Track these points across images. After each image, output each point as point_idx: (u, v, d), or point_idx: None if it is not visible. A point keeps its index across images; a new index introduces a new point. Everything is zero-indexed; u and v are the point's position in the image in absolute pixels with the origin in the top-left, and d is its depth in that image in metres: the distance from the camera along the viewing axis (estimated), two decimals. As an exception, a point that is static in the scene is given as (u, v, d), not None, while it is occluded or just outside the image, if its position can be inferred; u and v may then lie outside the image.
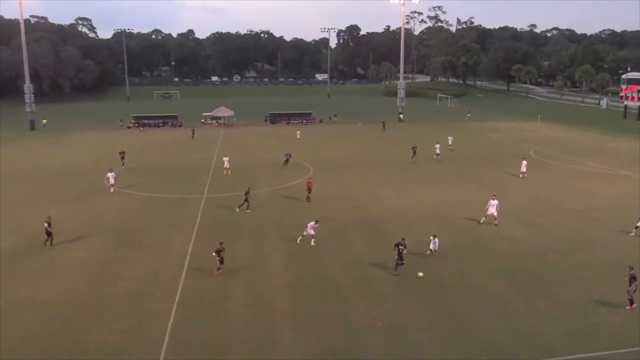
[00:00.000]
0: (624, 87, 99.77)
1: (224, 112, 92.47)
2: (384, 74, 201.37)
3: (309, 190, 39.36)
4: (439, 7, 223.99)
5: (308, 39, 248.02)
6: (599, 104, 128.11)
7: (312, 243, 30.07)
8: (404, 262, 25.96)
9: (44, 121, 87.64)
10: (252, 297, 23.60)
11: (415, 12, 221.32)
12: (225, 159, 49.57)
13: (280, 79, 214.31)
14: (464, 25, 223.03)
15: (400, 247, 26.10)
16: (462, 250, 29.39)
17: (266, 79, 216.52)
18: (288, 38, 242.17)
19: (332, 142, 70.11)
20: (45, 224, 29.68)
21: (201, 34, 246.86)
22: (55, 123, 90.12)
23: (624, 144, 68.07)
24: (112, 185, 42.46)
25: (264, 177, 47.80)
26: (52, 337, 20.32)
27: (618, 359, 18.92)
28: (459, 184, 45.22)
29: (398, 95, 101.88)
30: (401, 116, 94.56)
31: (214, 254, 25.68)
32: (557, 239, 31.33)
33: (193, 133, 74.28)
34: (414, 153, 55.58)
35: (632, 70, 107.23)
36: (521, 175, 47.36)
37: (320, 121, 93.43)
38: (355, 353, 19.39)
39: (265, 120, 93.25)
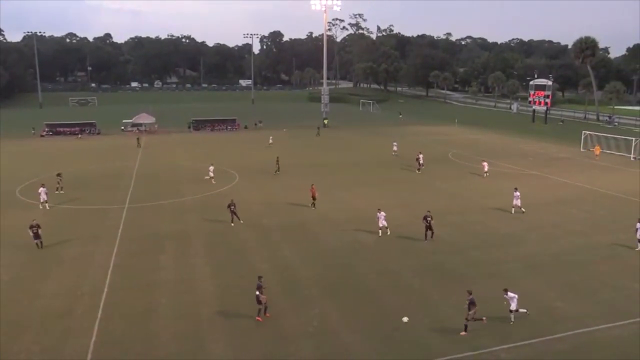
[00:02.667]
0: (532, 92, 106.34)
1: (145, 118, 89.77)
2: (308, 79, 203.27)
3: (313, 196, 39.10)
4: (359, 15, 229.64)
5: (231, 44, 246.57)
6: (510, 108, 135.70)
7: (388, 232, 32.60)
8: (433, 231, 31.40)
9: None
10: (179, 308, 23.06)
11: (337, 19, 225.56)
12: (211, 167, 48.00)
13: (203, 85, 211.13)
14: (384, 33, 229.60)
15: (428, 218, 31.28)
16: (388, 251, 30.18)
17: (188, 85, 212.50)
18: (210, 43, 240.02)
19: (257, 148, 69.81)
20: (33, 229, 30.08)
21: (119, 38, 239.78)
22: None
23: (533, 145, 72.58)
24: (44, 202, 38.64)
25: (189, 185, 46.79)
26: (-39, 362, 18.93)
27: (536, 348, 20.09)
28: (384, 187, 46.32)
29: (322, 101, 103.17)
30: (326, 121, 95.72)
31: (257, 293, 21.87)
32: (475, 236, 32.91)
33: (138, 141, 70.54)
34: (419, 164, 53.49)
35: (538, 77, 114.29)
36: (485, 175, 50.13)
37: (245, 127, 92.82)
38: (287, 359, 19.43)
39: (189, 127, 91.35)
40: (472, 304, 21.00)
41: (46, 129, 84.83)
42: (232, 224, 34.76)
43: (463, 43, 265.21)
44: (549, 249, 30.70)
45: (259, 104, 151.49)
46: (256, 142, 75.67)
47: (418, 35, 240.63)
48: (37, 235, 29.99)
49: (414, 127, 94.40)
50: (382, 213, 32.93)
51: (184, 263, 28.39)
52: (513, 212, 37.65)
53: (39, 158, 62.20)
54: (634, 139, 63.39)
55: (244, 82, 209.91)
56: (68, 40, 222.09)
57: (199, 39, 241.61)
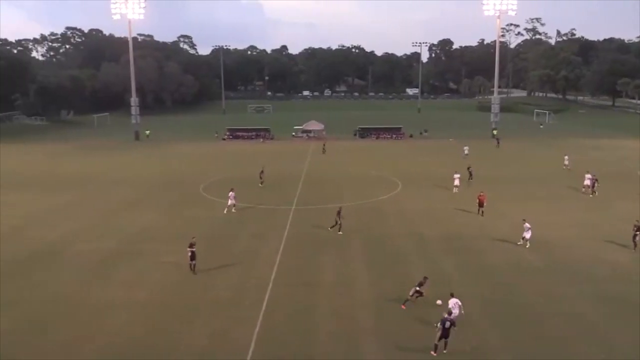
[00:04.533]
0: None
1: (314, 125, 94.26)
2: (477, 88, 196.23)
3: (481, 204, 39.13)
4: (537, 19, 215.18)
5: (399, 53, 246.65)
6: None
7: (527, 245, 31.78)
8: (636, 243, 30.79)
9: (147, 132, 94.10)
10: (337, 310, 23.69)
11: (511, 24, 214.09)
12: (456, 175, 47.46)
13: (371, 93, 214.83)
14: (564, 38, 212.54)
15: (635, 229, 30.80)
16: (557, 273, 27.83)
17: (356, 94, 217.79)
18: (379, 53, 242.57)
19: (422, 157, 69.12)
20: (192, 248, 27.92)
21: (294, 49, 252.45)
22: (158, 134, 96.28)
23: None
24: (232, 206, 40.01)
25: (351, 191, 47.84)
26: (143, 337, 21.50)
27: None
28: (553, 203, 42.84)
29: (492, 111, 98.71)
30: (495, 132, 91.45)
31: (416, 287, 23.95)
32: (666, 267, 28.81)
33: (324, 147, 73.45)
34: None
35: None
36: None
37: (411, 136, 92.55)
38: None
39: (355, 135, 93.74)
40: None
41: (227, 133, 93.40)
42: (340, 232, 34.58)
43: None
44: None
45: (426, 112, 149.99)
46: (422, 150, 75.13)
47: (605, 39, 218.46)
48: (193, 256, 27.84)
49: (596, 141, 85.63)
50: (527, 224, 31.55)
51: (344, 266, 29.11)
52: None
53: (221, 159, 68.62)
54: None
55: (411, 91, 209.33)
56: (249, 52, 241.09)
57: (368, 49, 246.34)
